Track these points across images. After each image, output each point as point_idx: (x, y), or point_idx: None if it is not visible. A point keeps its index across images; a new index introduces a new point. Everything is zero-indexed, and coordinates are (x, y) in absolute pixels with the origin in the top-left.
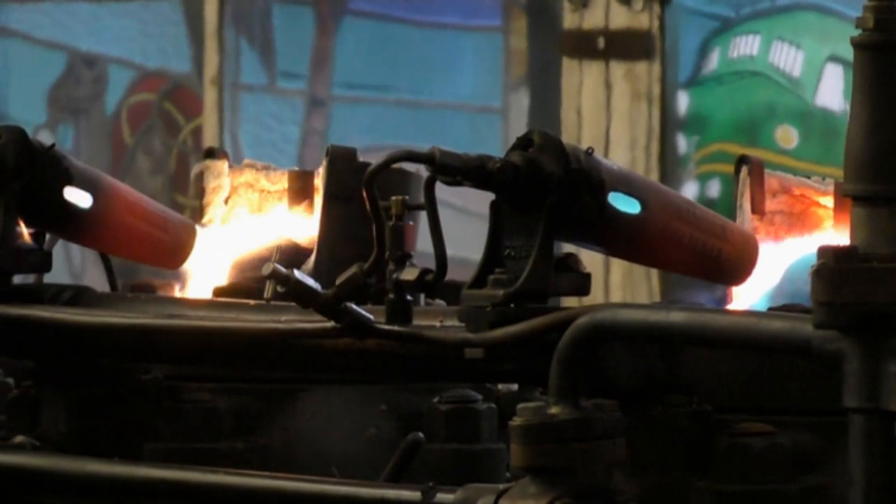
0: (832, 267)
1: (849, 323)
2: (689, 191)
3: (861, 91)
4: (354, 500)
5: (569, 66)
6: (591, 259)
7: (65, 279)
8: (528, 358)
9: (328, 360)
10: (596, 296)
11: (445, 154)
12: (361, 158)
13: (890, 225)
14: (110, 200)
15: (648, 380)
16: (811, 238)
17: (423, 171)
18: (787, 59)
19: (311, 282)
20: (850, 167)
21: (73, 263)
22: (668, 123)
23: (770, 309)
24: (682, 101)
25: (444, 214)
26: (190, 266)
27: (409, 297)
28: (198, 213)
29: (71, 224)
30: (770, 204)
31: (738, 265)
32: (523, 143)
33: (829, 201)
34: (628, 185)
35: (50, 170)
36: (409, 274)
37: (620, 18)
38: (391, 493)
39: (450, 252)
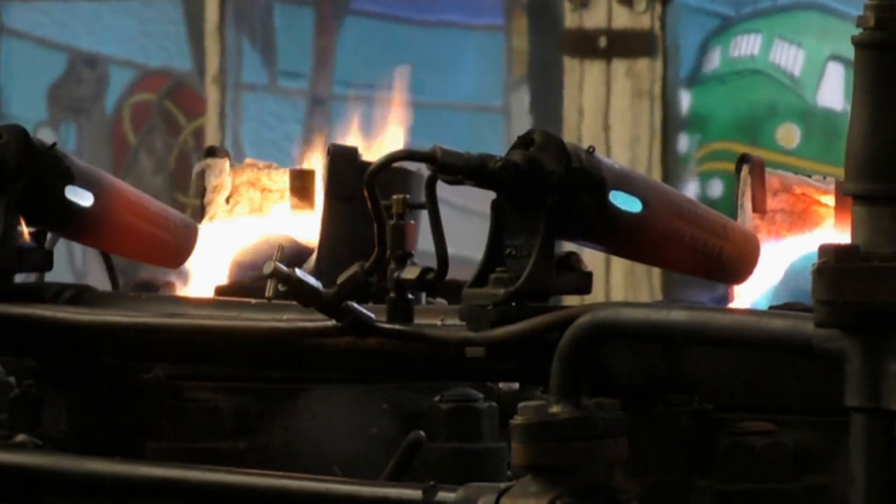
0: (833, 266)
1: (850, 322)
2: (691, 190)
3: (862, 90)
4: (356, 499)
5: (570, 66)
6: (592, 258)
7: (68, 278)
8: (529, 357)
9: (329, 359)
10: (597, 295)
11: (446, 153)
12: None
13: (891, 224)
14: (111, 199)
15: (650, 378)
16: (812, 237)
17: (424, 169)
18: (789, 57)
19: (312, 281)
20: (851, 166)
21: (75, 262)
22: (670, 122)
23: (771, 308)
24: (684, 100)
25: (445, 213)
26: (191, 265)
27: (410, 296)
28: (199, 212)
29: (72, 223)
30: (771, 203)
31: (739, 264)
32: (524, 142)
33: (830, 200)
34: (629, 184)
35: (51, 169)
36: (410, 273)
37: (622, 17)
38: (392, 492)
39: (451, 251)
